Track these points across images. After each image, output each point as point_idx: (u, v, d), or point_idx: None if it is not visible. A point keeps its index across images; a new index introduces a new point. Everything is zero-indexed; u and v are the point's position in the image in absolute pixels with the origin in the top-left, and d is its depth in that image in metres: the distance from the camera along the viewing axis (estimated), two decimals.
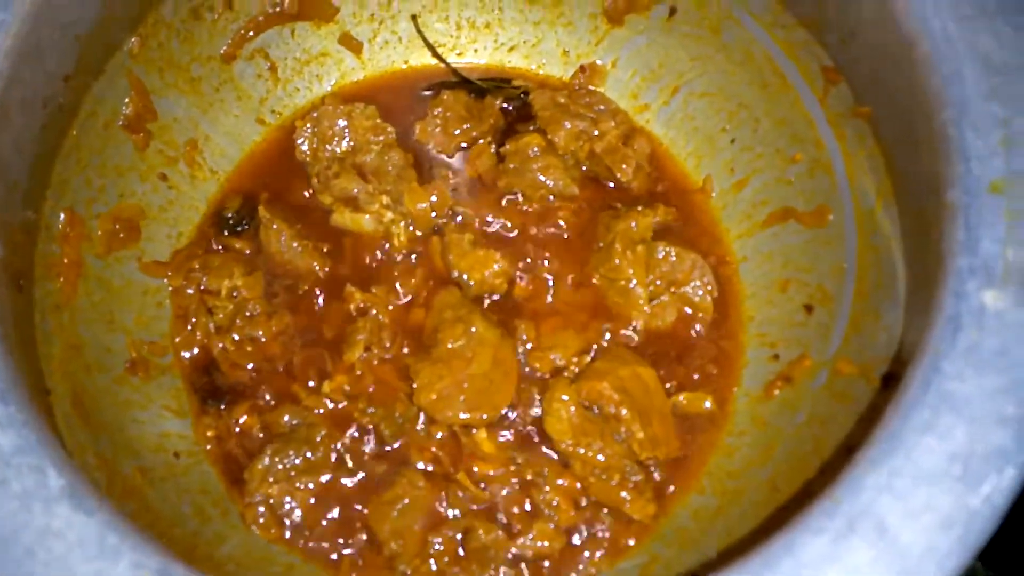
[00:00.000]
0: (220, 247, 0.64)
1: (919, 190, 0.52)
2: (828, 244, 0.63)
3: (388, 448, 0.60)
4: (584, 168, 0.68)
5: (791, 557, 0.35)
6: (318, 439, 0.59)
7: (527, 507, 0.59)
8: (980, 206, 0.41)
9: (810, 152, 0.64)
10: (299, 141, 0.66)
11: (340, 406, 0.60)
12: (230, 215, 0.65)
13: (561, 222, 0.67)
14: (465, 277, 0.64)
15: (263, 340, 0.62)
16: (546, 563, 0.57)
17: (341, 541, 0.58)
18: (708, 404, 0.61)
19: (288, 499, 0.58)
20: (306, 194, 0.67)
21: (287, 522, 0.58)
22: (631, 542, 0.57)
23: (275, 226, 0.63)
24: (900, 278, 0.55)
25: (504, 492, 0.59)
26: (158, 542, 0.37)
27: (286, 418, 0.60)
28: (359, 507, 0.58)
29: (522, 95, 0.70)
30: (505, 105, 0.70)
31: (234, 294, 0.62)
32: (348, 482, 0.59)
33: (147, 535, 0.36)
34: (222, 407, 0.61)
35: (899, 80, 0.52)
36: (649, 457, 0.59)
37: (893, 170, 0.56)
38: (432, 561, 0.57)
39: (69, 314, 0.56)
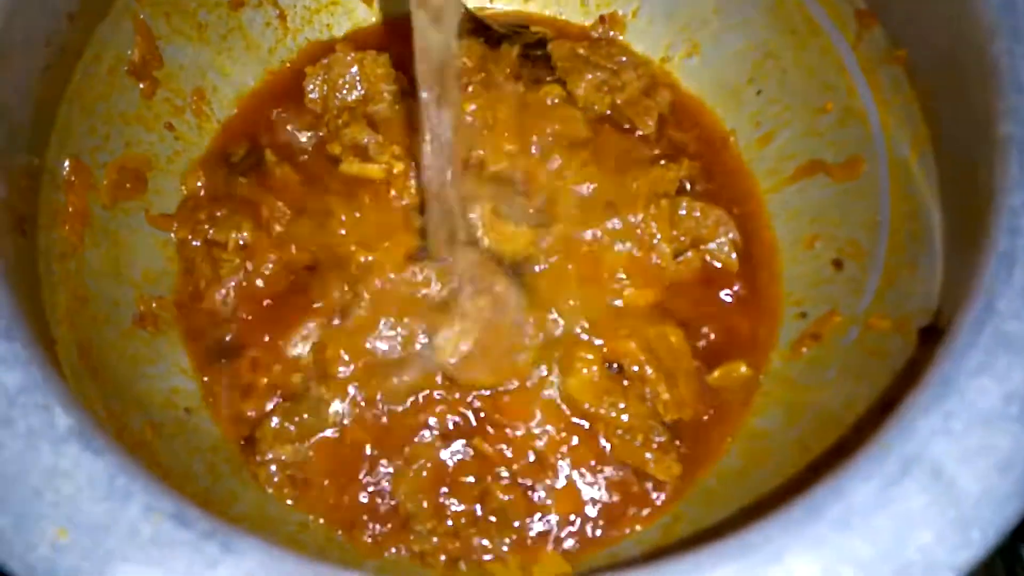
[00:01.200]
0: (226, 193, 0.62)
1: (961, 133, 0.50)
2: (860, 197, 0.60)
3: (402, 408, 0.58)
4: (604, 120, 0.65)
5: (840, 502, 0.33)
6: (331, 398, 0.57)
7: (548, 471, 0.57)
8: None
9: (842, 101, 0.62)
10: (308, 88, 0.64)
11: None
12: (236, 160, 0.63)
13: (579, 176, 0.64)
14: (486, 242, 0.61)
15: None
16: (569, 527, 0.55)
17: (357, 501, 0.56)
18: (744, 369, 0.59)
19: (301, 458, 0.56)
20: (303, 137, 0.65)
21: (301, 482, 0.56)
22: (657, 501, 0.55)
23: (281, 171, 0.61)
24: (937, 228, 0.53)
25: (524, 455, 0.57)
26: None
27: (297, 377, 0.58)
28: (375, 467, 0.56)
29: (540, 43, 0.67)
30: (523, 55, 0.68)
31: (241, 244, 0.59)
32: (363, 442, 0.57)
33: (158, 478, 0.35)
34: (226, 363, 0.59)
35: (940, 17, 0.50)
36: (674, 418, 0.58)
37: (930, 115, 0.54)
38: (449, 521, 0.55)
39: (75, 264, 0.54)
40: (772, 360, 0.60)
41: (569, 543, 0.55)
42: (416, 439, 0.57)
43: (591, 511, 0.56)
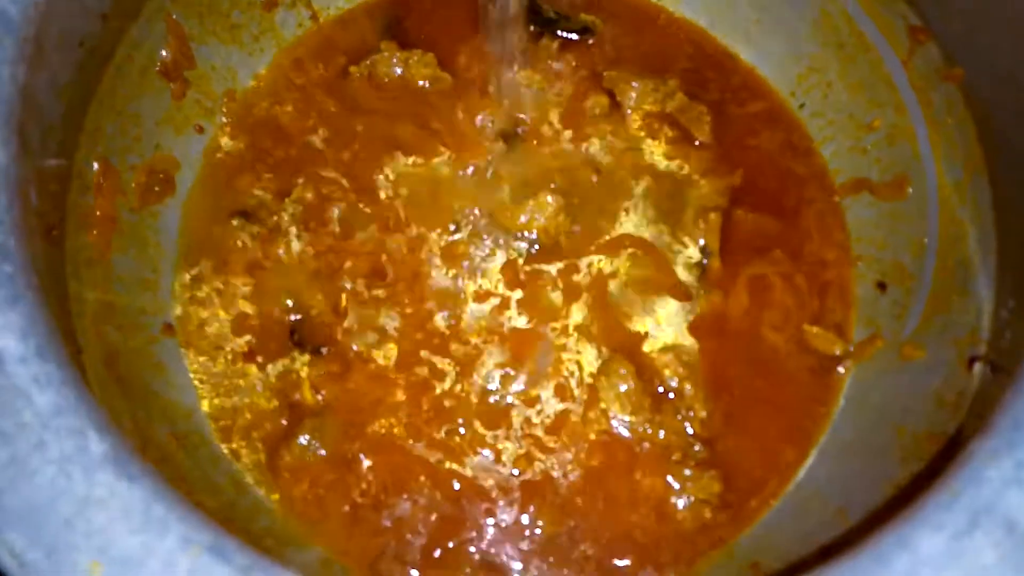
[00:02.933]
0: None
1: (1019, 157, 0.48)
2: (906, 218, 0.59)
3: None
4: (654, 128, 0.64)
5: (907, 553, 0.32)
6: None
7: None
8: None
9: (890, 118, 0.60)
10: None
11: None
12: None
13: (626, 186, 0.63)
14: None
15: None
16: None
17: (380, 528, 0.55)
18: (838, 351, 0.58)
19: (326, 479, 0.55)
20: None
21: (327, 502, 0.55)
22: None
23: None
24: (991, 254, 0.51)
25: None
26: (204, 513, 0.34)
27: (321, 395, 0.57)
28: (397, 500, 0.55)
29: (584, 29, 0.65)
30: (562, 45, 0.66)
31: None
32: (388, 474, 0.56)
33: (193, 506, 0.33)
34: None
35: (1002, 37, 0.48)
36: (710, 437, 0.56)
37: (986, 137, 0.52)
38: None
39: (103, 270, 0.52)
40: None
41: None
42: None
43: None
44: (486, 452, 0.55)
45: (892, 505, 0.43)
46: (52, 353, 0.34)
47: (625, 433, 0.56)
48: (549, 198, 0.59)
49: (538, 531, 0.54)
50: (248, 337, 0.58)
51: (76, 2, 0.46)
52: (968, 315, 0.51)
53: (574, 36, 0.66)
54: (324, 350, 0.57)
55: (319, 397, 0.56)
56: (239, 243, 0.59)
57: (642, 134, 0.63)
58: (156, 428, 0.50)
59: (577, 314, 0.58)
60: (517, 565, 0.53)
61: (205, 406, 0.56)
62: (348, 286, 0.59)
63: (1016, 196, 0.49)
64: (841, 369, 0.58)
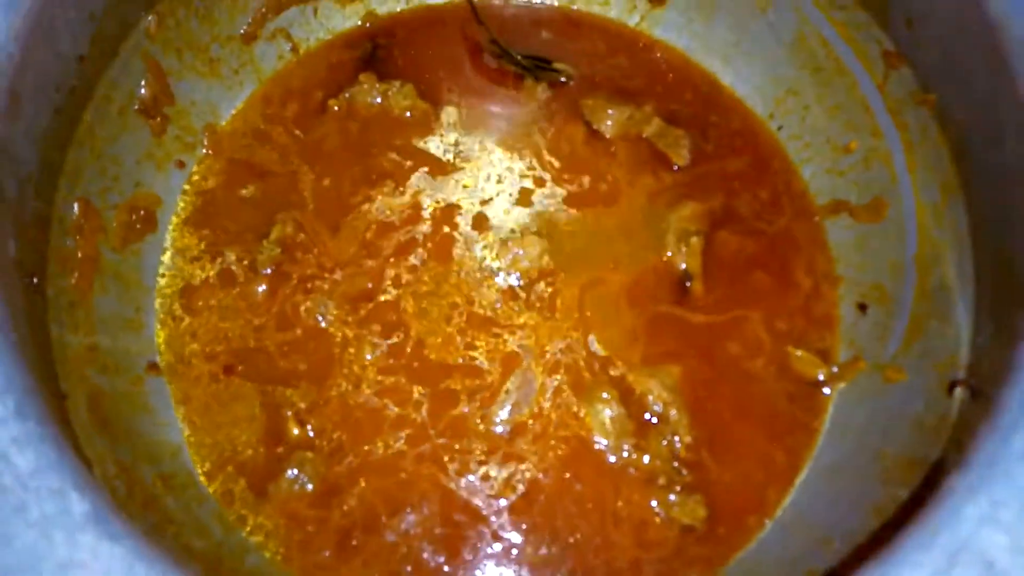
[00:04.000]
0: None
1: (996, 179, 0.49)
2: (884, 239, 0.59)
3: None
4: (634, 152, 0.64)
5: None
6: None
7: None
8: None
9: (866, 142, 0.60)
10: None
11: None
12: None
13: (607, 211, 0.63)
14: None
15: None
16: None
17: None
18: (821, 376, 0.58)
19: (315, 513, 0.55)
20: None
21: (318, 537, 0.54)
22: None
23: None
24: (969, 277, 0.51)
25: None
26: (188, 567, 0.34)
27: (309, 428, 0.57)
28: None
29: (563, 80, 0.66)
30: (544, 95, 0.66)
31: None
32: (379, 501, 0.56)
33: (175, 558, 0.33)
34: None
35: (978, 65, 0.49)
36: (695, 461, 0.56)
37: (961, 161, 0.53)
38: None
39: (84, 312, 0.52)
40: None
41: None
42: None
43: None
44: (471, 478, 0.55)
45: (875, 539, 0.43)
46: (31, 410, 0.34)
47: (611, 459, 0.56)
48: (535, 242, 0.59)
49: (525, 554, 0.54)
50: (233, 373, 0.58)
51: (51, 48, 0.46)
52: (947, 339, 0.52)
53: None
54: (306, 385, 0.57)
55: (308, 429, 0.56)
56: (217, 282, 0.59)
57: (620, 162, 0.63)
58: (142, 470, 0.50)
59: (560, 342, 0.58)
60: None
61: (190, 444, 0.56)
62: (330, 316, 0.59)
63: (992, 219, 0.49)
64: (826, 391, 0.58)
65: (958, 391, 0.49)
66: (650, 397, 0.57)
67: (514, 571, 0.53)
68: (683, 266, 0.61)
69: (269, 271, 0.59)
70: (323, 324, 0.58)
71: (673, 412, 0.57)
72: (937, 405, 0.50)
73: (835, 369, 0.59)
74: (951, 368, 0.50)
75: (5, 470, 0.32)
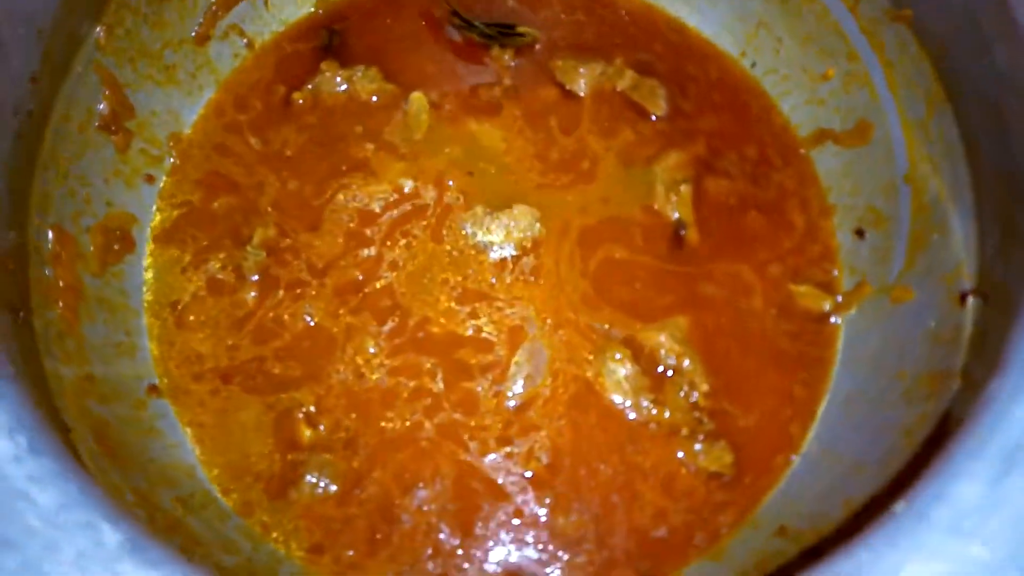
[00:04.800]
0: None
1: (986, 87, 0.48)
2: (873, 162, 0.59)
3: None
4: (609, 109, 0.63)
5: (946, 506, 0.32)
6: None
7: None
8: None
9: (843, 66, 0.60)
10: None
11: None
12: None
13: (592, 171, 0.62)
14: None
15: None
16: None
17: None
18: (827, 307, 0.58)
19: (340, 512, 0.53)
20: None
21: (343, 535, 0.53)
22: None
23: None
24: (966, 186, 0.51)
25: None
26: None
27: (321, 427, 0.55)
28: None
29: (529, 44, 0.65)
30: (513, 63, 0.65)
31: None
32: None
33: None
34: None
35: None
36: (715, 409, 0.56)
37: (945, 73, 0.52)
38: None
39: (75, 342, 0.50)
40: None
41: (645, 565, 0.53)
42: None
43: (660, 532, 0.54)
44: (492, 455, 0.54)
45: (918, 458, 0.42)
46: (45, 446, 0.33)
47: (631, 416, 0.55)
48: (525, 211, 0.58)
49: (554, 524, 0.53)
50: (235, 384, 0.56)
51: (4, 68, 0.43)
52: (952, 251, 0.51)
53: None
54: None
55: (320, 428, 0.54)
56: (205, 293, 0.57)
57: (598, 119, 0.62)
58: (160, 496, 0.48)
59: (562, 308, 0.57)
60: (541, 557, 0.52)
61: (204, 462, 0.54)
62: (324, 312, 0.57)
63: (984, 127, 0.49)
64: (835, 320, 0.58)
65: (970, 300, 0.49)
66: (661, 351, 0.57)
67: (543, 541, 0.53)
68: (675, 216, 0.60)
69: (256, 277, 0.57)
70: (318, 321, 0.57)
71: (686, 362, 0.56)
72: (950, 318, 0.50)
73: (839, 299, 0.59)
74: (960, 279, 0.50)
75: (29, 510, 0.31)
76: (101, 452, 0.47)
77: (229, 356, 0.56)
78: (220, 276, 0.58)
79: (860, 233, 0.59)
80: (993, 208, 0.48)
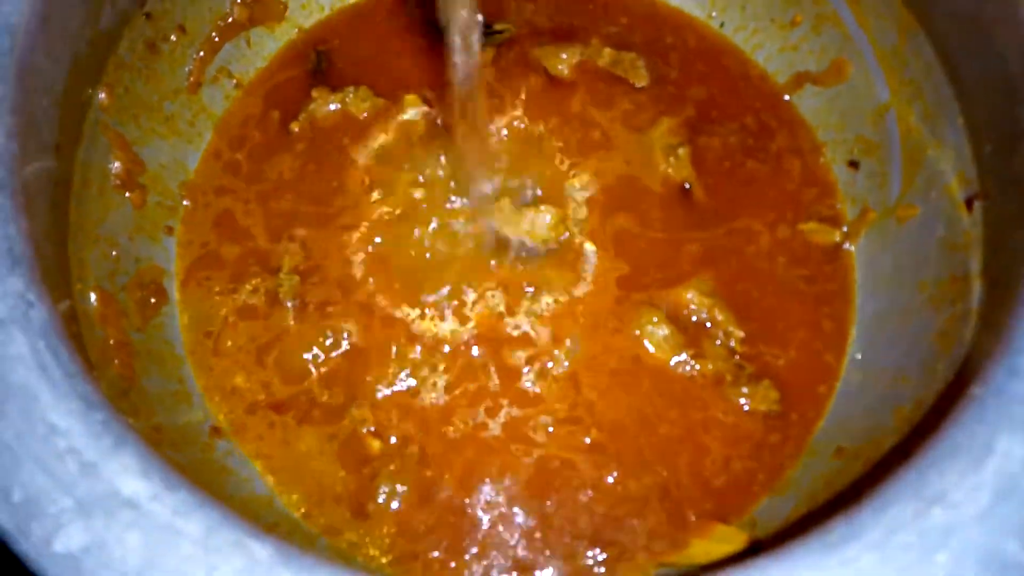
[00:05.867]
0: None
1: (959, 7, 0.51)
2: (855, 96, 0.62)
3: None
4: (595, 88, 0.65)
5: (1022, 379, 0.34)
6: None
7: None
8: None
9: (809, 10, 0.63)
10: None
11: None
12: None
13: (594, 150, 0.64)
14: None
15: None
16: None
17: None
18: (838, 238, 0.61)
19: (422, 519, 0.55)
20: None
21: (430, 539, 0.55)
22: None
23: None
24: (951, 97, 0.54)
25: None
26: None
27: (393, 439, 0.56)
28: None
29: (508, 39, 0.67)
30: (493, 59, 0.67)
31: None
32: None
33: None
34: None
35: None
36: (753, 353, 0.58)
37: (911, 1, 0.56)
38: None
39: (138, 396, 0.51)
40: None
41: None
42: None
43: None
44: (552, 428, 0.56)
45: (975, 349, 0.45)
46: (176, 482, 0.34)
47: (676, 373, 0.57)
48: (551, 210, 0.60)
49: (624, 487, 0.55)
50: (293, 411, 0.57)
51: (37, 139, 0.44)
52: (948, 163, 0.55)
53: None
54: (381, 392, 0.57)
55: (387, 438, 0.56)
56: (244, 329, 0.58)
57: (587, 99, 0.65)
58: None
59: (591, 288, 0.59)
60: (616, 520, 0.54)
61: (279, 493, 0.55)
62: (363, 331, 0.58)
63: (959, 41, 0.52)
64: (848, 247, 0.61)
65: (976, 204, 0.52)
66: (692, 306, 0.59)
67: (615, 505, 0.54)
68: (679, 178, 0.62)
69: (291, 303, 0.59)
70: (356, 338, 0.58)
71: (718, 314, 0.59)
72: (959, 223, 0.53)
73: (845, 229, 0.62)
74: (962, 186, 0.53)
75: (181, 540, 0.32)
76: None
77: (275, 386, 0.57)
78: (252, 301, 0.59)
79: (854, 164, 0.63)
80: (983, 115, 0.51)
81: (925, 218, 0.57)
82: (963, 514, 0.32)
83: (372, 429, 0.56)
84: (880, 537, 0.32)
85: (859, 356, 0.59)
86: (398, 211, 0.61)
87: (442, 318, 0.58)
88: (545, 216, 0.60)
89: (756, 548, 0.52)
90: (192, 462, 0.51)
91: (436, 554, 0.54)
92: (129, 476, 0.33)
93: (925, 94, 0.56)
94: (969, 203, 0.52)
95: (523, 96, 0.64)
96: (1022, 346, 0.35)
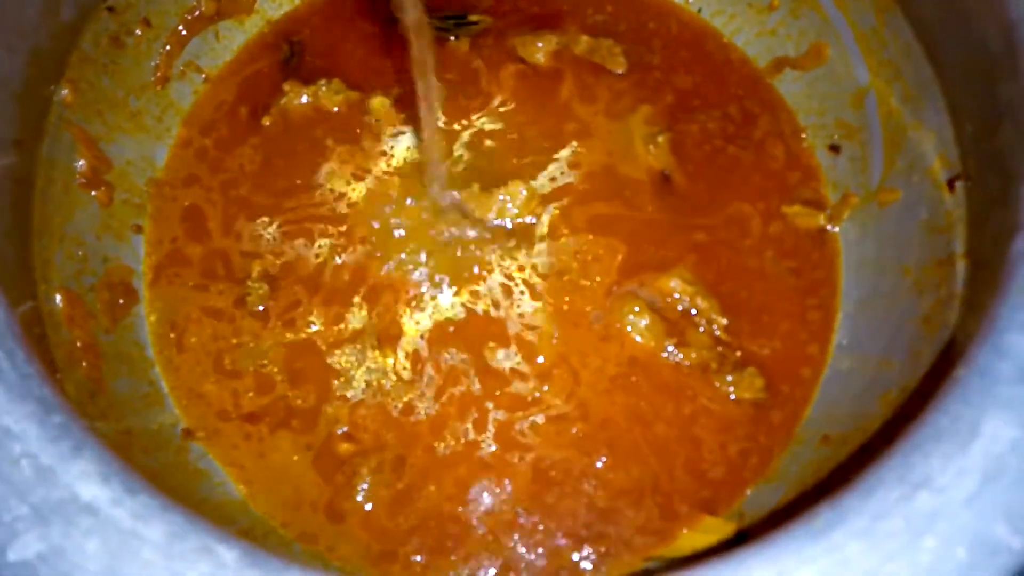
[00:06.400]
0: None
1: None
2: (834, 79, 0.61)
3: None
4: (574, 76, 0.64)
5: (1007, 359, 0.34)
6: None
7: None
8: None
9: None
10: None
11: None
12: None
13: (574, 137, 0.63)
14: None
15: None
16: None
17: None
18: (823, 222, 0.60)
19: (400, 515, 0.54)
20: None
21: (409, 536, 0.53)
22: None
23: None
24: (932, 80, 0.54)
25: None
26: None
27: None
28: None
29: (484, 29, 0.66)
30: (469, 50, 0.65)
31: None
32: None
33: None
34: None
35: None
36: (738, 341, 0.58)
37: None
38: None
39: (106, 399, 0.50)
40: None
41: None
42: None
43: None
44: (539, 417, 0.55)
45: (948, 349, 0.45)
46: (138, 486, 0.32)
47: (660, 362, 0.56)
48: (521, 188, 0.59)
49: (615, 478, 0.54)
50: (267, 416, 0.56)
51: None
52: (929, 145, 0.54)
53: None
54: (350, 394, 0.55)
55: (358, 441, 0.54)
56: (215, 331, 0.57)
57: (566, 88, 0.64)
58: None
59: (574, 276, 0.58)
60: (608, 512, 0.53)
61: (252, 495, 0.54)
62: (331, 332, 0.57)
63: (937, 20, 0.51)
64: (832, 228, 0.60)
65: (958, 185, 0.51)
66: (675, 295, 0.58)
67: (610, 491, 0.53)
68: (660, 166, 0.61)
69: (261, 308, 0.57)
70: (322, 333, 0.57)
71: (700, 301, 0.58)
72: (941, 205, 0.52)
73: (829, 211, 0.61)
74: (944, 167, 0.53)
75: (142, 545, 0.30)
76: None
77: (249, 392, 0.56)
78: (219, 305, 0.57)
79: (835, 148, 0.62)
80: (964, 94, 0.50)
81: (907, 201, 0.56)
82: (950, 498, 0.31)
83: (345, 430, 0.55)
84: (866, 523, 0.31)
85: (844, 343, 0.58)
86: (368, 205, 0.60)
87: (416, 310, 0.57)
88: (518, 193, 0.59)
89: (743, 537, 0.51)
90: (165, 466, 0.50)
91: (419, 558, 0.53)
92: (88, 481, 0.31)
93: (905, 75, 0.55)
94: (951, 184, 0.52)
95: (499, 85, 0.63)
96: (1006, 325, 0.35)
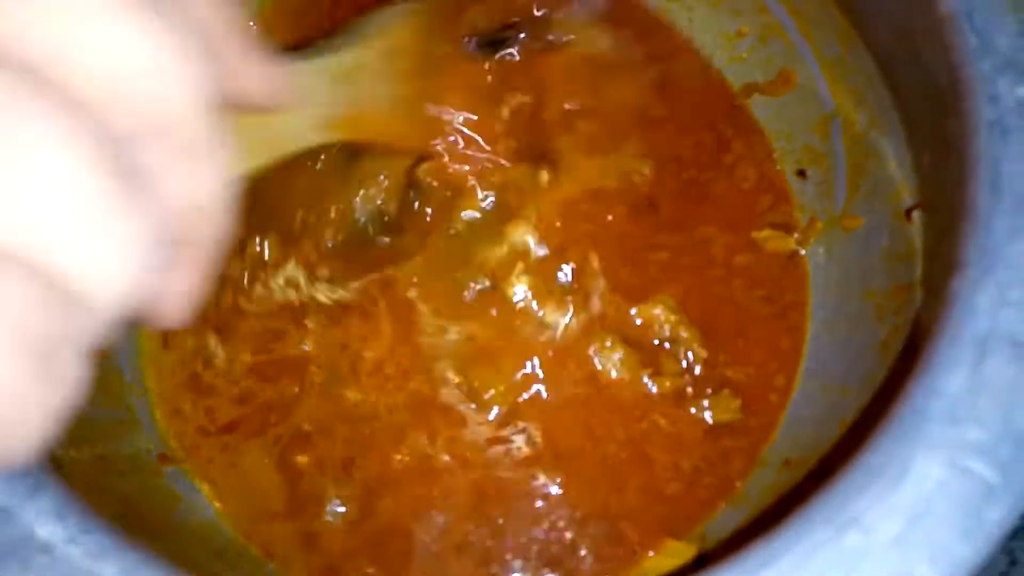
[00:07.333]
0: None
1: (891, 19, 0.52)
2: (801, 105, 0.62)
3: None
4: None
5: (937, 397, 0.35)
6: None
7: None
8: (985, 5, 0.41)
9: (755, 21, 0.63)
10: None
11: None
12: None
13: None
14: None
15: None
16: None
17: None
18: (794, 246, 0.61)
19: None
20: None
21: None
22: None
23: None
24: (890, 107, 0.54)
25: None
26: None
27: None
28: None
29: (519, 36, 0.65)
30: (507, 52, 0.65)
31: None
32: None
33: None
34: None
35: None
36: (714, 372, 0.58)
37: (848, 10, 0.56)
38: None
39: (80, 426, 0.50)
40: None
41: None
42: None
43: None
44: (506, 445, 0.56)
45: (894, 372, 0.46)
46: (94, 525, 0.34)
47: (634, 397, 0.57)
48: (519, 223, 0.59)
49: (576, 507, 0.55)
50: (236, 433, 0.57)
51: None
52: (889, 173, 0.55)
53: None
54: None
55: (316, 457, 0.55)
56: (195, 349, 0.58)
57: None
58: (198, 555, 0.49)
59: (555, 309, 0.59)
60: (569, 536, 0.54)
61: (226, 516, 0.55)
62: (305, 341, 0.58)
63: (893, 50, 0.52)
64: (803, 252, 0.61)
65: (916, 214, 0.52)
66: (656, 326, 0.59)
67: (579, 516, 0.54)
68: (642, 192, 0.62)
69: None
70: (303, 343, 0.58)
71: (683, 332, 0.58)
72: (901, 233, 0.53)
73: (797, 235, 0.62)
74: (903, 197, 0.54)
75: None
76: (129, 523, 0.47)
77: (228, 409, 0.57)
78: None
79: (802, 173, 0.63)
80: (921, 125, 0.51)
81: (869, 228, 0.57)
82: (875, 540, 0.32)
83: (308, 434, 0.56)
84: (796, 562, 0.32)
85: (812, 366, 0.59)
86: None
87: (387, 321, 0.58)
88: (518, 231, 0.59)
89: (702, 561, 0.52)
90: (140, 490, 0.51)
91: (371, 571, 0.54)
92: (44, 520, 0.33)
93: (868, 103, 0.56)
94: (908, 213, 0.53)
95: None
96: (940, 364, 0.35)
